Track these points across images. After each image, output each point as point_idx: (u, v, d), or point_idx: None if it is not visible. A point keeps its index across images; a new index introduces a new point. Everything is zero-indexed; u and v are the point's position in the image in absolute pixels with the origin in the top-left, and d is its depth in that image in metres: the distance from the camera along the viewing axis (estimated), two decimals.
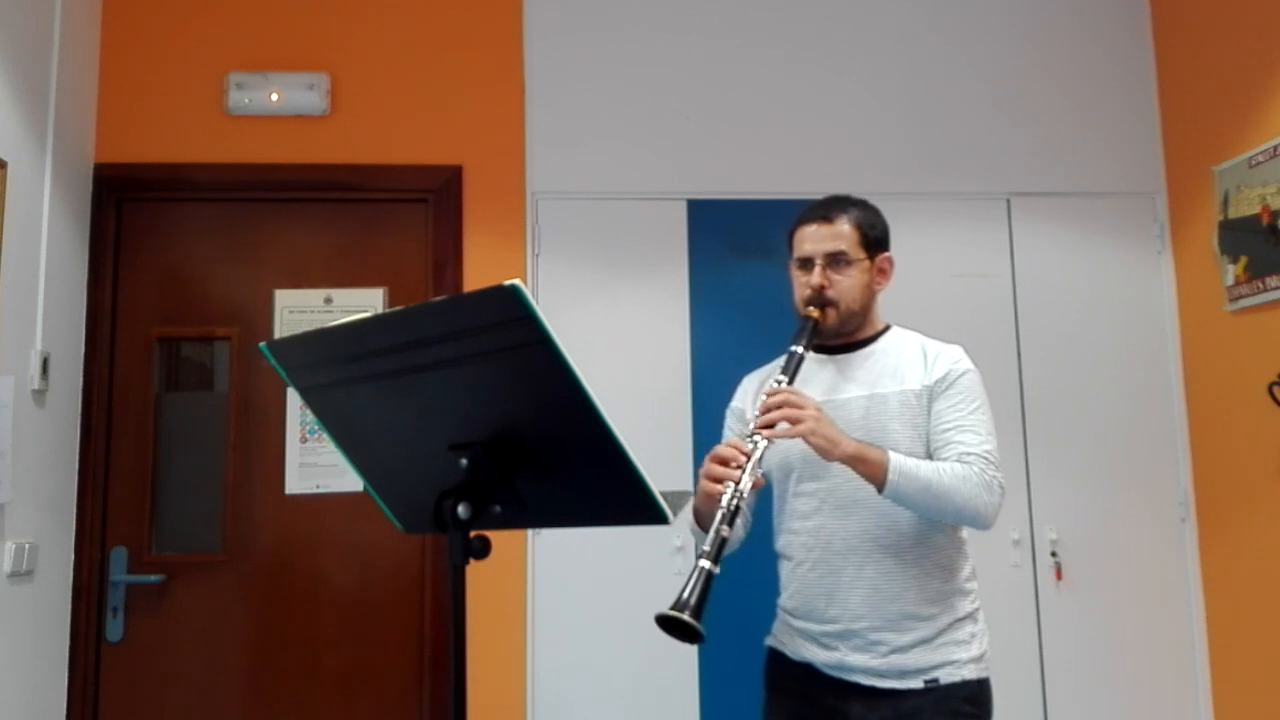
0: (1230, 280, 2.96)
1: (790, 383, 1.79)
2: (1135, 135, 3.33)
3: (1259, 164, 2.84)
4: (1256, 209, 2.85)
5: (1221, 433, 3.04)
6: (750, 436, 1.72)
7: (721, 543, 1.60)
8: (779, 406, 1.72)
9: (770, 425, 1.72)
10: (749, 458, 1.68)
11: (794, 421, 1.71)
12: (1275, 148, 2.79)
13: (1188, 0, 3.21)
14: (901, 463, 1.71)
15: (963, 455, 1.77)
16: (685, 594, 1.51)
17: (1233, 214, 2.95)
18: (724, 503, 1.64)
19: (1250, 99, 2.91)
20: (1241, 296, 2.92)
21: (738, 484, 1.65)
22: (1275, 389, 2.78)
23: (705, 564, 1.56)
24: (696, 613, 1.49)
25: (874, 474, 1.71)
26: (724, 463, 1.69)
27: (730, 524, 1.62)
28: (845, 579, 1.82)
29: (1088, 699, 3.03)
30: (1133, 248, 3.27)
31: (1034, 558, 3.08)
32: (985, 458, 1.78)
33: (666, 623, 1.51)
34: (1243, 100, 2.94)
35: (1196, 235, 3.14)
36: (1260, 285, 2.84)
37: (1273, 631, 2.82)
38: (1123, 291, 3.25)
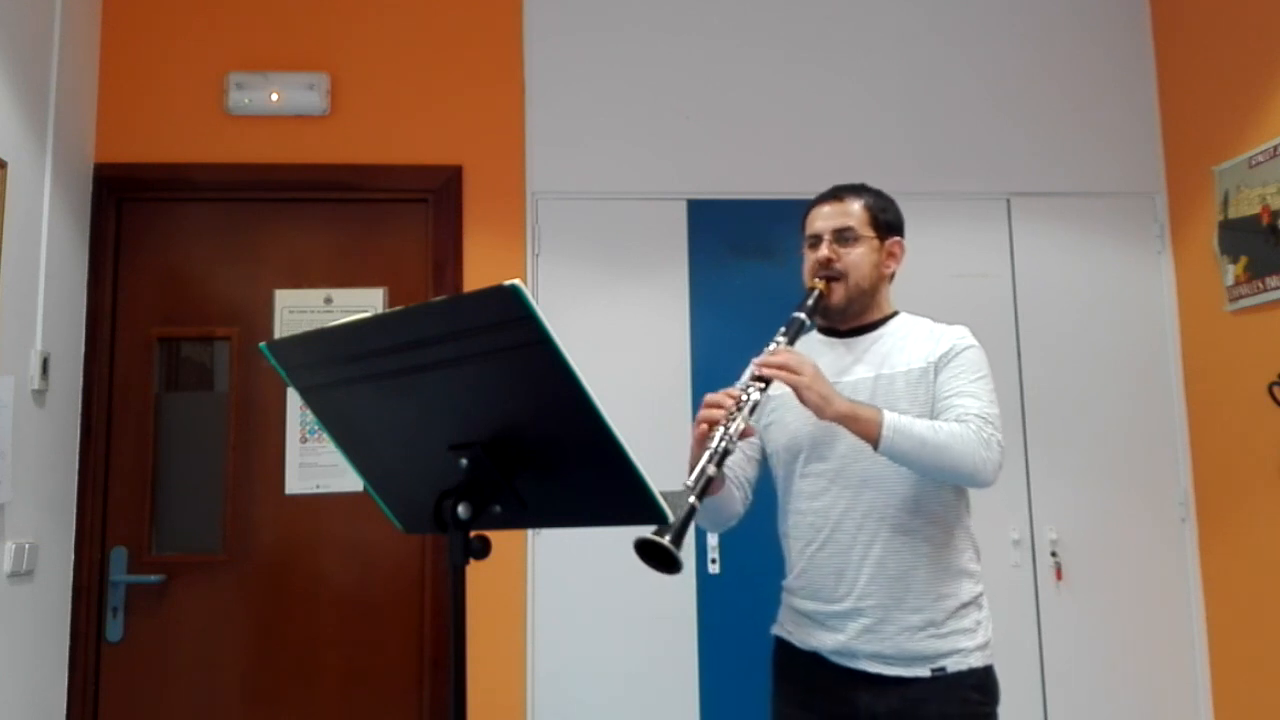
0: (1230, 280, 2.96)
1: (790, 345, 1.82)
2: (1135, 135, 3.33)
3: (1259, 164, 2.84)
4: (1256, 209, 2.85)
5: (1221, 433, 3.04)
6: (746, 387, 1.73)
7: (707, 481, 1.61)
8: (777, 364, 1.74)
9: (765, 381, 1.74)
10: (740, 404, 1.70)
11: (791, 373, 1.73)
12: (1275, 148, 2.79)
13: (1188, 0, 3.21)
14: (896, 419, 1.72)
15: (961, 416, 1.78)
16: (665, 525, 1.51)
17: (1233, 214, 2.95)
18: (713, 445, 1.65)
19: (1250, 99, 2.91)
20: (1241, 296, 2.92)
21: (728, 427, 1.66)
22: (1275, 389, 2.78)
23: (689, 499, 1.57)
24: (676, 541, 1.49)
25: (868, 431, 1.72)
26: (716, 408, 1.71)
27: (719, 465, 1.63)
28: (854, 557, 1.83)
29: (1088, 699, 3.03)
30: (1133, 248, 3.27)
31: (1034, 558, 3.08)
32: (983, 417, 1.78)
33: (645, 548, 1.51)
34: (1243, 100, 2.94)
35: (1196, 235, 3.14)
36: (1260, 285, 2.84)
37: (1273, 631, 2.82)
38: (1123, 291, 3.25)
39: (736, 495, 1.94)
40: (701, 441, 1.69)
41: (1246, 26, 2.93)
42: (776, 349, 1.79)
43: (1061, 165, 3.29)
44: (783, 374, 1.73)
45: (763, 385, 1.75)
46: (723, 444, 1.65)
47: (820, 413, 1.73)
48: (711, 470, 1.63)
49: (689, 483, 1.60)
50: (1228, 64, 3.02)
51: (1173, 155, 3.29)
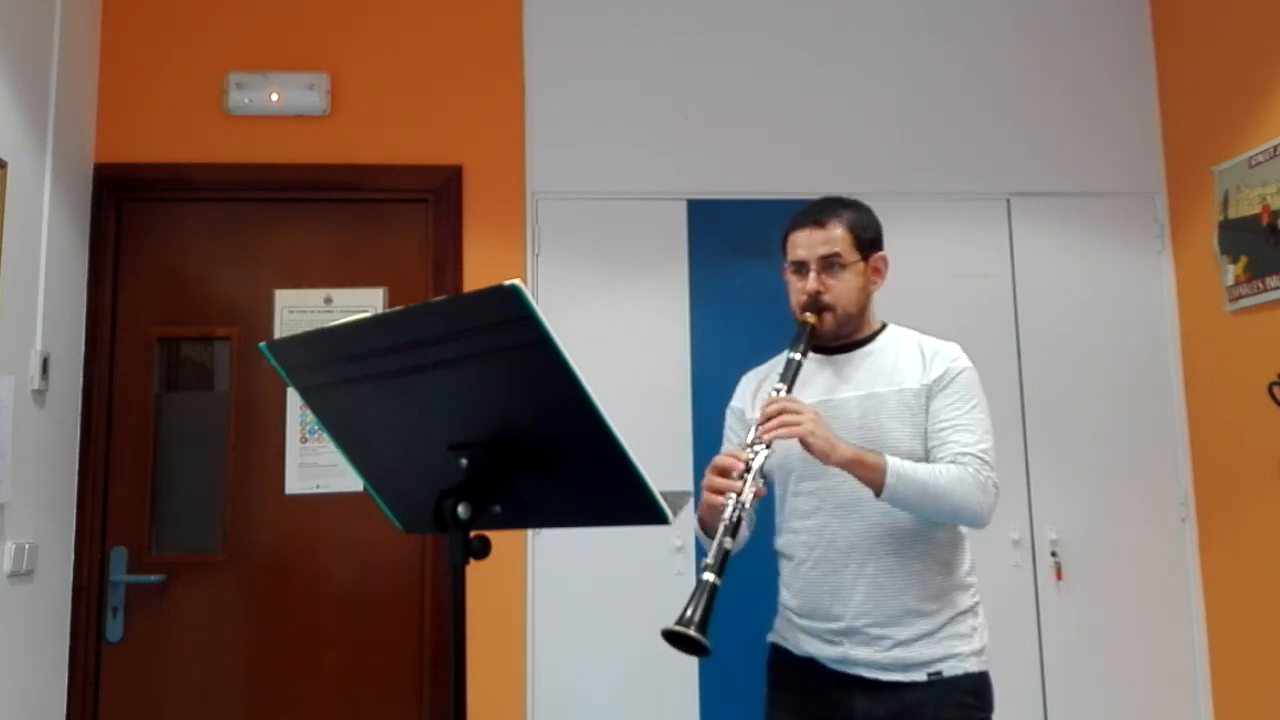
0: (1230, 280, 2.96)
1: (789, 390, 1.80)
2: (1135, 135, 3.33)
3: (1259, 164, 2.84)
4: (1256, 209, 2.85)
5: (1221, 433, 3.04)
6: (750, 446, 1.73)
7: (725, 555, 1.61)
8: (777, 414, 1.74)
9: (769, 433, 1.73)
10: (749, 467, 1.69)
11: (792, 426, 1.72)
12: (1275, 148, 2.79)
13: (1188, 0, 3.21)
14: (899, 467, 1.73)
15: (958, 455, 1.79)
16: (690, 611, 1.52)
17: (1233, 214, 2.95)
18: (726, 515, 1.65)
19: (1250, 99, 2.91)
20: (1241, 296, 2.92)
21: (739, 495, 1.67)
22: (1275, 389, 2.78)
23: (710, 577, 1.57)
24: (702, 627, 1.51)
25: (872, 478, 1.73)
26: (724, 473, 1.71)
27: (733, 535, 1.64)
28: (847, 577, 1.83)
29: (1088, 699, 3.03)
30: (1133, 248, 3.27)
31: (1034, 558, 3.08)
32: (980, 457, 1.80)
33: (673, 637, 1.52)
34: (1243, 100, 2.94)
35: (1196, 235, 3.14)
36: (1260, 285, 2.84)
37: (1273, 631, 2.82)
38: (1123, 291, 3.25)
39: (742, 524, 1.93)
40: (713, 509, 1.69)
41: (1246, 26, 2.93)
42: (775, 399, 1.78)
43: (1061, 165, 3.29)
44: (784, 432, 1.72)
45: (766, 444, 1.74)
46: (736, 513, 1.66)
47: (826, 459, 1.73)
48: (729, 544, 1.63)
49: (709, 561, 1.60)
50: (1228, 64, 3.02)
51: (1173, 155, 3.28)
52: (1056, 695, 3.03)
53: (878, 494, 1.73)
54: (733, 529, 1.64)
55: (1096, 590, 3.09)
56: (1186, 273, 3.21)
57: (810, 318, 1.89)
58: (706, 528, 1.78)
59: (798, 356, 1.84)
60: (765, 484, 1.94)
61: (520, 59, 3.18)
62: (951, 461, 1.79)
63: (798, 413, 1.73)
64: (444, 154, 3.11)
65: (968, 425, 1.82)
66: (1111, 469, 3.15)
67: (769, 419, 1.73)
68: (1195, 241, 3.15)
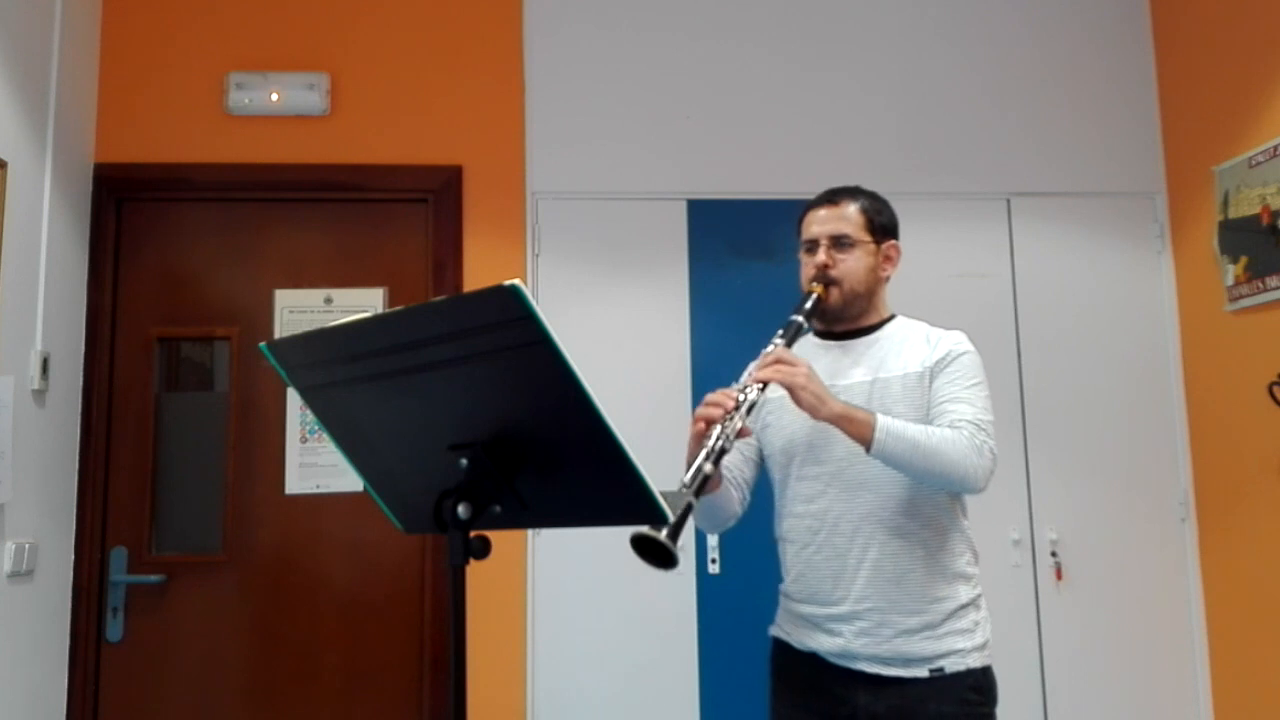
0: (1230, 280, 2.97)
1: (787, 347, 1.82)
2: (1135, 135, 3.33)
3: (1259, 164, 2.84)
4: (1256, 209, 2.85)
5: (1221, 433, 3.04)
6: (744, 388, 1.74)
7: (703, 480, 1.61)
8: (773, 363, 1.75)
9: (763, 382, 1.75)
10: (739, 403, 1.70)
11: (786, 371, 1.73)
12: (1275, 148, 2.79)
13: (1188, 0, 3.21)
14: (889, 423, 1.73)
15: (954, 422, 1.79)
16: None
17: (1233, 214, 2.95)
18: (710, 442, 1.65)
19: (1250, 99, 2.91)
20: (1241, 296, 2.92)
21: (725, 425, 1.67)
22: (1275, 389, 2.78)
23: (687, 495, 1.57)
24: (673, 536, 1.49)
25: (861, 433, 1.73)
26: (715, 406, 1.72)
27: (716, 463, 1.64)
28: (850, 560, 1.83)
29: (1088, 699, 3.03)
30: (1133, 248, 3.27)
31: (1034, 558, 3.08)
32: (976, 424, 1.78)
33: (641, 545, 1.51)
34: (1243, 100, 2.94)
35: (1196, 235, 3.14)
36: (1260, 285, 2.84)
37: (1273, 631, 2.82)
38: (1123, 291, 3.25)
39: (734, 496, 1.95)
40: (699, 439, 1.70)
41: (1246, 27, 2.93)
42: (772, 350, 1.79)
43: (1061, 165, 3.29)
44: (778, 373, 1.74)
45: (761, 385, 1.75)
46: (719, 442, 1.66)
47: (815, 413, 1.74)
48: (709, 468, 1.63)
49: (685, 480, 1.61)
50: (1228, 64, 3.02)
51: (1173, 155, 3.29)
52: (1056, 695, 3.03)
53: (867, 449, 1.73)
54: (715, 456, 1.64)
55: (1096, 590, 3.09)
56: (1186, 273, 3.21)
57: (816, 287, 1.90)
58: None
59: (799, 319, 1.86)
60: (763, 457, 1.98)
61: (520, 59, 3.18)
62: (949, 427, 1.78)
63: (793, 364, 1.75)
64: (444, 154, 3.11)
65: (967, 399, 1.82)
66: (1111, 469, 3.15)
67: (765, 366, 1.75)
68: (1195, 241, 3.15)
